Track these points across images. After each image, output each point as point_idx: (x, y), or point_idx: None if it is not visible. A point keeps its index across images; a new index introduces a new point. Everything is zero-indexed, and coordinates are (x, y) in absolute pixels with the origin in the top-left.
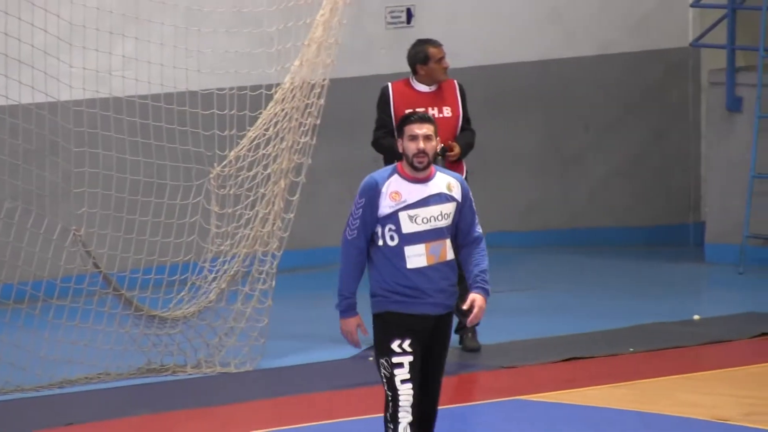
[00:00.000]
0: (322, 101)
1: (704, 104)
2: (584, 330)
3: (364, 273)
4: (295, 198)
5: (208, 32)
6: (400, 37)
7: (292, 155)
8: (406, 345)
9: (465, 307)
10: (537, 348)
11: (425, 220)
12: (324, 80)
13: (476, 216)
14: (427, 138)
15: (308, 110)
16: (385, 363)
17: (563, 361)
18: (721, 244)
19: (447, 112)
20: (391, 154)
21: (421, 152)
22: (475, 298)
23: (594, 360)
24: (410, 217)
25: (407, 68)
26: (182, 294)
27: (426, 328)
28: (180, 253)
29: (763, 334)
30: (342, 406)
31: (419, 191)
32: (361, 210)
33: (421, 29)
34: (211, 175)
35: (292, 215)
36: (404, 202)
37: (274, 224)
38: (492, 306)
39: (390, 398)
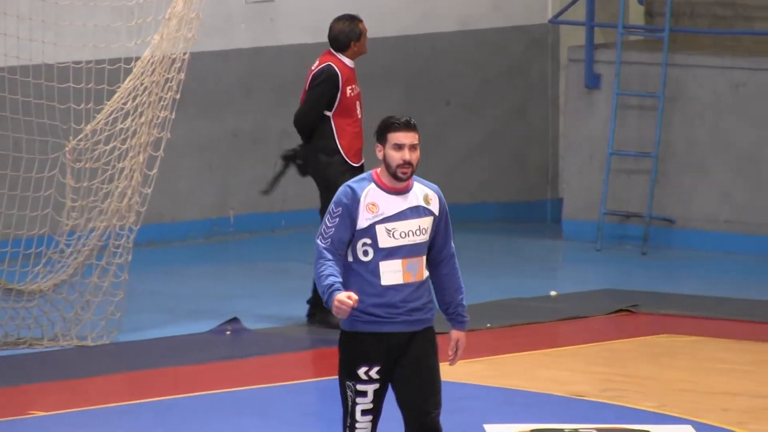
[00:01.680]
0: (182, 75)
1: (563, 81)
2: None
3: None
4: (153, 172)
5: (66, 5)
6: (261, 11)
7: (152, 129)
8: (373, 372)
9: (450, 350)
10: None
11: (403, 235)
12: (184, 54)
13: (451, 231)
14: (412, 148)
15: (168, 84)
16: (350, 386)
17: None
18: (578, 220)
19: (359, 87)
20: (306, 138)
21: (407, 163)
22: (459, 338)
23: None
24: (388, 231)
25: (267, 42)
26: (38, 268)
27: (398, 345)
28: (36, 227)
29: (620, 310)
30: (199, 379)
31: (397, 203)
32: (338, 219)
33: (282, 4)
34: (66, 149)
35: (150, 189)
36: (382, 214)
37: (131, 198)
38: None
39: (348, 426)
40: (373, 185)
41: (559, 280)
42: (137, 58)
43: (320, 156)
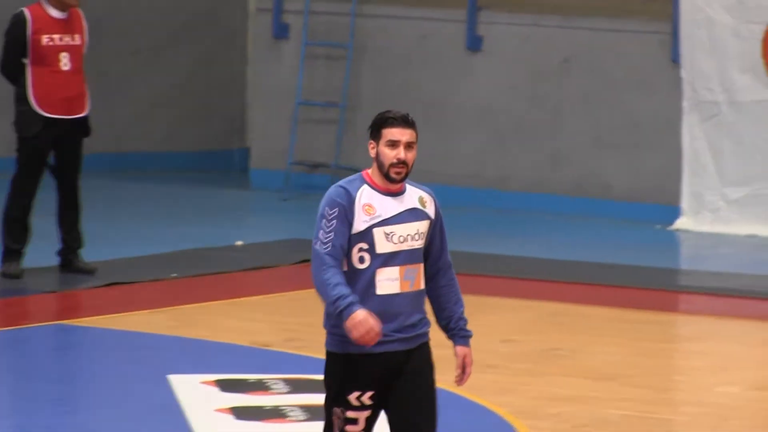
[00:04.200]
0: None
1: (251, 31)
2: (126, 255)
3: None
4: None
5: None
6: None
7: None
8: (366, 398)
9: (457, 368)
10: (81, 273)
11: (402, 239)
12: None
13: (447, 238)
14: (409, 146)
15: None
16: (338, 413)
17: (105, 286)
18: (266, 170)
19: (77, 39)
20: (13, 82)
21: (401, 162)
22: (466, 354)
23: (136, 285)
24: (386, 235)
25: None
26: None
27: (393, 366)
28: None
29: (306, 260)
30: None
31: (394, 205)
32: (335, 221)
33: None
34: None
35: None
36: (379, 216)
37: None
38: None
39: None
40: (366, 186)
41: (245, 230)
42: None
43: (17, 104)
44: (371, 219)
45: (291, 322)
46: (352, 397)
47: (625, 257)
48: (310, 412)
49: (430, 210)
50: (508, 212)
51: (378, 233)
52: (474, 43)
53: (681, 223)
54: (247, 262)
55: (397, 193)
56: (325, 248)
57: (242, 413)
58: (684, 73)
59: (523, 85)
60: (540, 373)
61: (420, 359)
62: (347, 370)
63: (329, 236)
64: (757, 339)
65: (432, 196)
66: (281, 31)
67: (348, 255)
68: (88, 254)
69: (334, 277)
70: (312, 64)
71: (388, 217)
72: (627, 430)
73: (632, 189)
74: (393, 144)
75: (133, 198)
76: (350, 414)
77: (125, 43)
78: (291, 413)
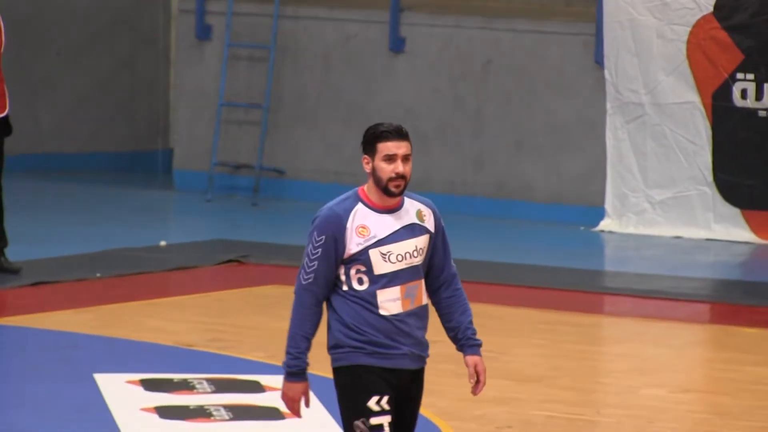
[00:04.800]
0: None
1: (174, 32)
2: (51, 255)
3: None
4: None
5: None
6: None
7: None
8: (384, 402)
9: (470, 378)
10: (5, 273)
11: (400, 258)
12: None
13: (450, 249)
14: (405, 159)
15: None
16: (362, 426)
17: (30, 285)
18: (189, 171)
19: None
20: None
21: (400, 176)
22: (476, 362)
23: (61, 285)
24: (383, 255)
25: None
26: None
27: (401, 385)
28: None
29: (230, 261)
30: None
31: (389, 223)
32: (320, 250)
33: None
34: None
35: None
36: (374, 237)
37: None
38: None
39: None
40: (360, 205)
41: (169, 230)
42: None
43: None
44: (366, 241)
45: (214, 323)
46: (372, 403)
47: (549, 259)
48: (235, 412)
49: (429, 223)
50: None
51: (374, 255)
52: (397, 45)
53: (605, 224)
54: (171, 263)
55: (393, 209)
56: (307, 280)
57: (167, 413)
58: (607, 75)
59: (445, 87)
60: (463, 375)
61: (420, 387)
62: (361, 379)
63: (312, 265)
64: (683, 341)
65: (431, 209)
66: (204, 33)
67: (347, 275)
68: (12, 254)
69: (301, 326)
70: (235, 66)
71: (384, 236)
72: None
73: (555, 191)
74: (390, 158)
75: (58, 198)
76: (374, 420)
77: (48, 44)
78: (216, 413)
